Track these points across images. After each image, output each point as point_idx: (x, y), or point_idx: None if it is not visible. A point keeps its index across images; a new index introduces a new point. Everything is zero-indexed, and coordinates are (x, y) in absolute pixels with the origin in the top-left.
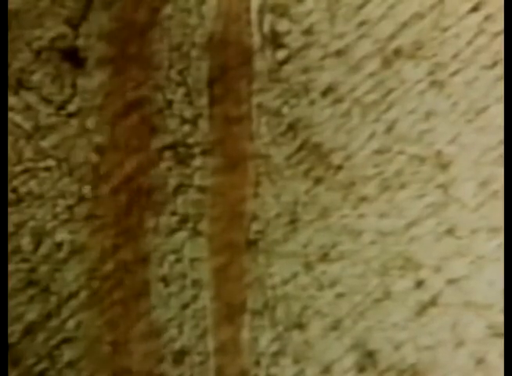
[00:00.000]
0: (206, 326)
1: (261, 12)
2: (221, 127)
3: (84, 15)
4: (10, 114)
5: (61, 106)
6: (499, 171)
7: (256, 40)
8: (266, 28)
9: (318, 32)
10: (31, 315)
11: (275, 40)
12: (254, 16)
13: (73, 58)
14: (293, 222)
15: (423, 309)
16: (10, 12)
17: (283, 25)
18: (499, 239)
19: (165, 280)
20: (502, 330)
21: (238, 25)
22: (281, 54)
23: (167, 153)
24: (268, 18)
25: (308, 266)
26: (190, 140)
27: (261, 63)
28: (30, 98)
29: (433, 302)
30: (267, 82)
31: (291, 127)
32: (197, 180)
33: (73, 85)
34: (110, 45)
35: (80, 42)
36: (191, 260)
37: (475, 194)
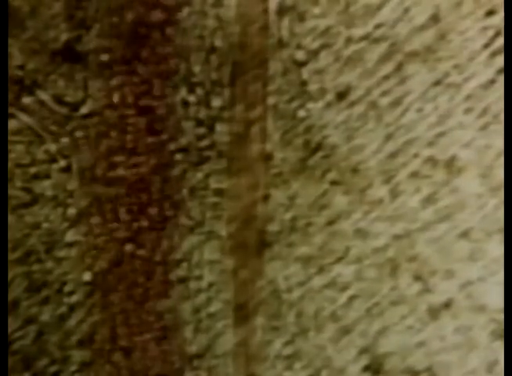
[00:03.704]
0: (220, 328)
1: (280, 13)
2: (236, 129)
3: (98, 17)
4: (24, 116)
5: (75, 108)
6: None
7: (273, 42)
8: (284, 30)
9: (334, 35)
10: (45, 316)
11: (292, 42)
12: (272, 17)
13: (88, 59)
14: (307, 225)
15: (436, 312)
16: (26, 13)
17: (300, 27)
18: None
19: (181, 282)
20: None
21: (255, 27)
22: (299, 56)
23: (182, 156)
24: (286, 20)
25: (323, 269)
26: (205, 142)
27: (277, 65)
28: (45, 99)
29: (446, 306)
30: (283, 84)
31: (307, 129)
32: (213, 183)
33: (86, 87)
34: (125, 47)
35: (94, 44)
36: (207, 262)
37: (489, 198)
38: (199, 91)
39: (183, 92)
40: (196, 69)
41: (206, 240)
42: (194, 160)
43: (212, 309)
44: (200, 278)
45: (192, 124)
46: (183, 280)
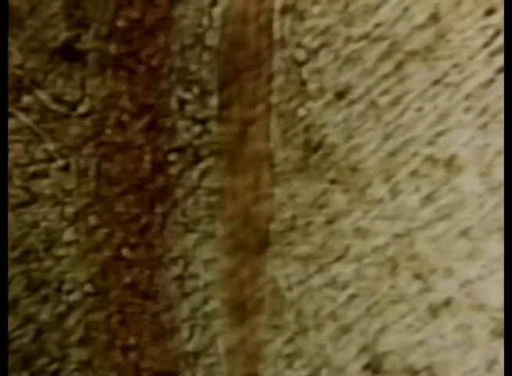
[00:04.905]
0: (217, 327)
1: (283, 12)
2: (235, 128)
3: (96, 16)
4: (23, 115)
5: (73, 107)
6: None
7: (275, 40)
8: (286, 29)
9: (333, 34)
10: (44, 315)
11: (292, 41)
12: (276, 16)
13: (86, 58)
14: (307, 224)
15: (435, 311)
16: (25, 12)
17: (299, 26)
18: None
19: (177, 282)
20: None
21: (254, 26)
22: (299, 55)
23: (178, 155)
24: (288, 19)
25: (322, 268)
26: (201, 141)
27: (278, 65)
28: (44, 98)
29: (446, 304)
30: (283, 83)
31: (307, 128)
32: (209, 182)
33: (83, 86)
34: (121, 46)
35: (92, 43)
36: (203, 261)
37: (489, 197)
38: (195, 89)
39: (179, 91)
40: (193, 67)
41: (202, 238)
42: (190, 159)
43: (209, 308)
44: (196, 277)
45: (188, 123)
46: (179, 279)
